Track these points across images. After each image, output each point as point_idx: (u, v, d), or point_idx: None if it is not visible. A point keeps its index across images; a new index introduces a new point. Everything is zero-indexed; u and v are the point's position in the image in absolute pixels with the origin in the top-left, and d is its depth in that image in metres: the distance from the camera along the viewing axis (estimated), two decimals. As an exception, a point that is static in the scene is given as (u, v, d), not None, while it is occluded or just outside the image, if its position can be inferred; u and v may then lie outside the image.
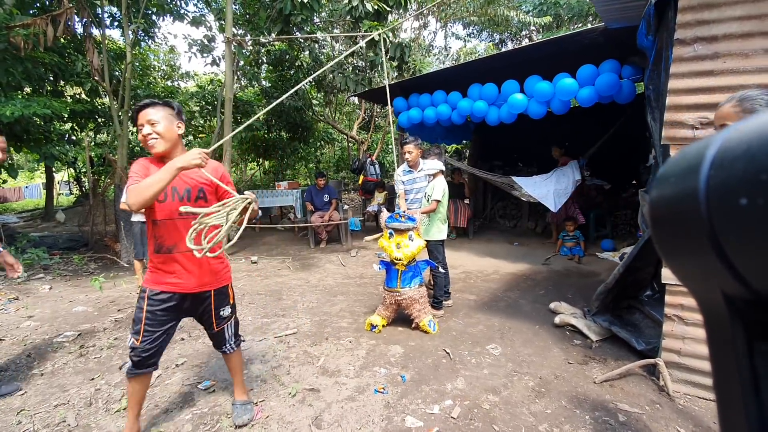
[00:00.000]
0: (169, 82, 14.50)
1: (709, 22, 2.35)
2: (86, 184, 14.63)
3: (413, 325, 3.70)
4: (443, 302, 4.20)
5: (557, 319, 3.77)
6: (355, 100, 15.11)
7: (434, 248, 4.11)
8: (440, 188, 4.06)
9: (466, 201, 7.95)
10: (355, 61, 8.66)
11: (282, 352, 3.36)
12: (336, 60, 4.55)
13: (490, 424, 2.41)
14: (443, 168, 4.23)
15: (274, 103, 2.51)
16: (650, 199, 0.29)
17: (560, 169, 6.31)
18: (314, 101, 12.90)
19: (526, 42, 15.76)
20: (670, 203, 0.26)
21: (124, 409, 2.62)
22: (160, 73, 14.74)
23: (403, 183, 4.42)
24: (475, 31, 15.93)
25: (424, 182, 4.30)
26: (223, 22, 9.31)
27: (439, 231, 4.12)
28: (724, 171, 0.22)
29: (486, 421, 2.44)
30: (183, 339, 3.64)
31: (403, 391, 2.77)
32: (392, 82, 6.76)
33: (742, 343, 0.25)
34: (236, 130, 2.66)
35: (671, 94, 2.47)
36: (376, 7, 6.14)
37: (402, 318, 3.83)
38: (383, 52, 4.49)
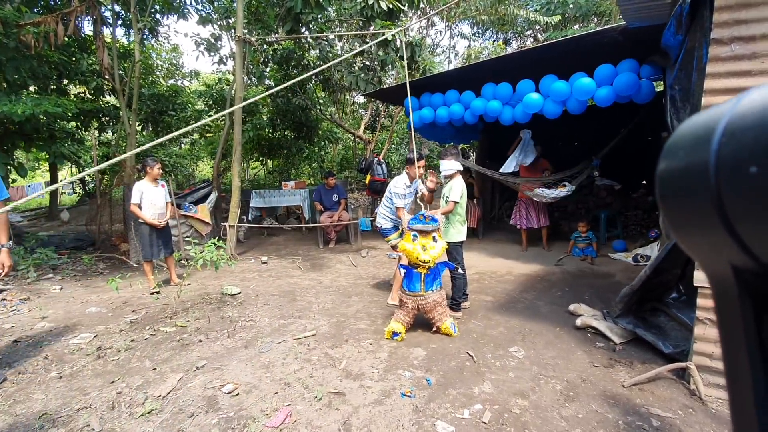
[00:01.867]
0: (171, 81, 14.45)
1: (747, 21, 2.31)
2: (90, 183, 14.59)
3: (434, 329, 3.65)
4: (461, 304, 4.16)
5: (578, 322, 3.73)
6: (360, 99, 15.07)
7: (453, 249, 4.07)
8: (458, 189, 4.02)
9: (475, 201, 7.92)
10: (364, 61, 8.60)
11: (303, 354, 3.32)
12: (342, 58, 4.49)
13: (522, 429, 2.37)
14: (461, 168, 4.19)
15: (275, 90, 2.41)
16: (658, 172, 0.28)
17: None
18: (319, 100, 12.84)
19: (530, 41, 15.71)
20: (679, 176, 0.26)
21: (149, 412, 2.59)
22: (162, 72, 14.70)
23: (404, 197, 4.41)
24: (479, 31, 15.88)
25: (414, 190, 4.47)
26: (229, 21, 9.26)
27: (458, 232, 4.08)
28: (736, 140, 0.22)
29: (518, 426, 2.40)
30: (201, 341, 3.61)
31: (430, 394, 2.73)
32: (403, 82, 6.71)
33: (750, 315, 0.25)
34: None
35: (707, 94, 2.43)
36: (390, 5, 6.08)
37: (418, 320, 3.78)
38: (403, 51, 4.42)
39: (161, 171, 5.28)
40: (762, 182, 0.20)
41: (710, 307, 2.60)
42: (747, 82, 2.34)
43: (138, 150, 2.06)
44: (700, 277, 2.60)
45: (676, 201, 0.27)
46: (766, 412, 0.24)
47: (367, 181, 9.82)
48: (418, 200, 4.47)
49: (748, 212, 0.21)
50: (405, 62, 4.40)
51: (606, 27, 4.37)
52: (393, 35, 4.57)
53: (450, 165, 4.08)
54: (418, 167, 4.36)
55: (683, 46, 3.00)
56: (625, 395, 2.71)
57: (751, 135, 0.21)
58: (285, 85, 3.12)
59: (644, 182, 7.78)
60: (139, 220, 5.14)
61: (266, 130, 12.34)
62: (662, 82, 4.66)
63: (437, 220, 3.51)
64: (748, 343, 0.25)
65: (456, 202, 3.99)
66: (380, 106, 13.62)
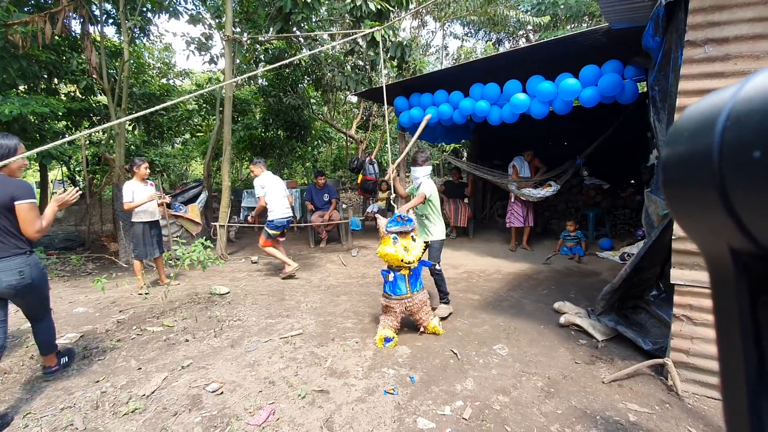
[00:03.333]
0: (164, 80, 14.37)
1: (720, 23, 2.36)
2: (81, 183, 14.51)
3: (420, 331, 3.66)
4: (448, 295, 4.17)
5: (562, 319, 3.78)
6: (353, 99, 15.08)
7: (440, 246, 4.09)
8: (427, 186, 3.96)
9: (466, 200, 7.96)
10: (354, 60, 8.62)
11: (288, 353, 3.34)
12: (322, 49, 4.50)
13: (501, 425, 2.41)
14: (429, 174, 4.14)
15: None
16: (662, 157, 0.28)
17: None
18: (312, 100, 12.83)
19: (523, 41, 15.79)
20: (683, 159, 0.26)
21: (132, 411, 2.60)
22: (155, 71, 14.60)
23: None
24: (472, 31, 15.94)
25: None
26: (220, 20, 9.25)
27: (441, 230, 4.07)
28: (740, 124, 0.22)
29: (497, 422, 2.44)
30: (187, 340, 3.62)
31: (413, 392, 2.77)
32: (392, 83, 6.74)
33: (745, 296, 0.25)
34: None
35: (681, 95, 2.48)
36: (378, 6, 6.11)
37: (404, 319, 3.79)
38: (382, 51, 4.43)
39: (148, 170, 5.27)
40: (765, 167, 0.20)
41: (687, 304, 2.65)
42: (720, 83, 2.38)
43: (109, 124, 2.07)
44: (676, 275, 2.65)
45: (679, 184, 0.27)
46: (758, 394, 0.24)
47: (359, 181, 9.85)
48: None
49: (750, 196, 0.22)
50: (383, 61, 4.41)
51: (590, 28, 4.43)
52: (377, 32, 4.55)
53: (423, 172, 4.02)
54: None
55: (661, 47, 3.05)
56: (604, 391, 2.75)
57: (756, 119, 0.21)
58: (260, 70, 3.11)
59: (632, 181, 7.85)
60: (132, 220, 5.14)
61: (259, 129, 12.31)
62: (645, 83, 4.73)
63: (412, 220, 3.52)
64: (742, 322, 0.25)
65: (425, 196, 3.91)
66: (372, 105, 13.64)
